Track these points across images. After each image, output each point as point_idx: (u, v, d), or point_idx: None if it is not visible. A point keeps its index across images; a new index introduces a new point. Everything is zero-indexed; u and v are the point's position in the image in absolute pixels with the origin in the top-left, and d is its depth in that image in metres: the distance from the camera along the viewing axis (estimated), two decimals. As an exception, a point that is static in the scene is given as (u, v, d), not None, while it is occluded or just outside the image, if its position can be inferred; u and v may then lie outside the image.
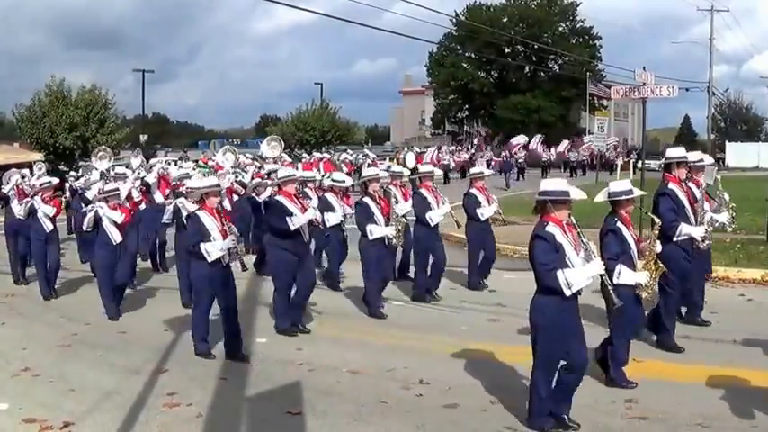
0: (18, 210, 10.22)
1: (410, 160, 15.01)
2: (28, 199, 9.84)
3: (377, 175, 8.50)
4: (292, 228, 7.28)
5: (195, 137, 71.59)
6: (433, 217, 8.95)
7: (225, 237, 6.49)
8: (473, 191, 9.68)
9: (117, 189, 8.65)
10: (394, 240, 8.35)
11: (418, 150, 26.50)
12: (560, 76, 52.36)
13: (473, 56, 54.11)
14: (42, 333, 7.78)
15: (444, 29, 50.06)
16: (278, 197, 7.53)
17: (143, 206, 10.60)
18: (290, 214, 7.30)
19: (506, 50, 54.13)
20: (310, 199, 8.86)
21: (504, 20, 54.08)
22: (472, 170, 10.97)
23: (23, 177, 11.08)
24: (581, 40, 55.46)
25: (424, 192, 9.10)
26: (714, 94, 51.19)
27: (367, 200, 8.25)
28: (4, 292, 9.87)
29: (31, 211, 9.64)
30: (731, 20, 64.20)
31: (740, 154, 46.55)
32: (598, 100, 50.66)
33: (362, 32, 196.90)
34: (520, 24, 53.59)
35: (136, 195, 10.46)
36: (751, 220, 13.96)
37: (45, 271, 9.53)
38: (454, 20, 50.81)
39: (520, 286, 9.35)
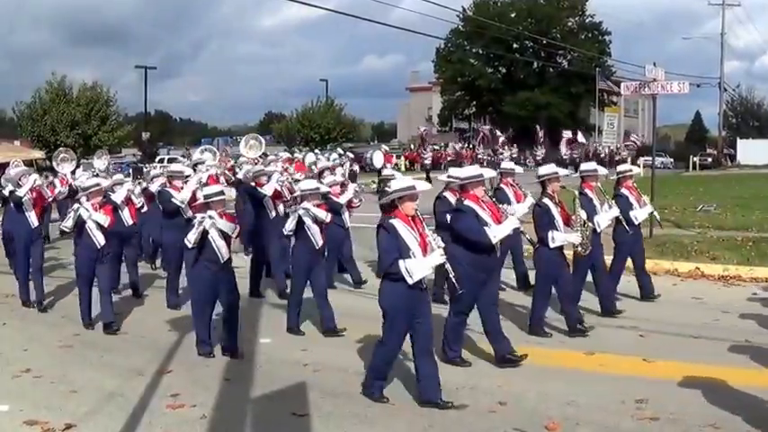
0: (30, 220, 8.86)
1: (377, 159, 14.28)
2: (76, 205, 7.86)
3: (557, 173, 7.37)
4: (494, 240, 6.04)
5: (198, 134, 71.70)
6: (601, 222, 7.93)
7: (426, 251, 5.25)
8: (623, 191, 8.38)
9: (222, 192, 6.87)
10: (579, 248, 7.32)
11: (387, 149, 25.67)
12: (569, 72, 52.07)
13: (480, 52, 53.91)
14: (43, 334, 7.70)
15: (451, 24, 49.83)
16: (467, 202, 6.14)
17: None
18: (486, 224, 6.07)
19: (514, 46, 53.83)
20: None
21: (512, 15, 53.74)
22: (620, 168, 9.19)
23: (46, 177, 10.05)
24: (590, 35, 55.11)
25: (589, 193, 7.97)
26: (725, 90, 50.75)
27: (547, 201, 7.07)
28: (4, 292, 9.72)
29: (79, 222, 7.69)
30: (743, 15, 63.69)
31: (752, 151, 46.13)
32: (608, 96, 50.39)
33: (369, 29, 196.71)
34: (528, 20, 53.26)
35: (137, 201, 9.79)
36: (763, 218, 13.83)
37: (98, 296, 7.77)
38: (461, 15, 50.61)
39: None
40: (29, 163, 15.72)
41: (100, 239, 7.70)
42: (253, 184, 9.88)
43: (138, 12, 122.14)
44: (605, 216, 7.99)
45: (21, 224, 8.94)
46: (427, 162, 31.21)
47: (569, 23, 55.27)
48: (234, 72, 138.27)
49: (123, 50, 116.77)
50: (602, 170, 8.88)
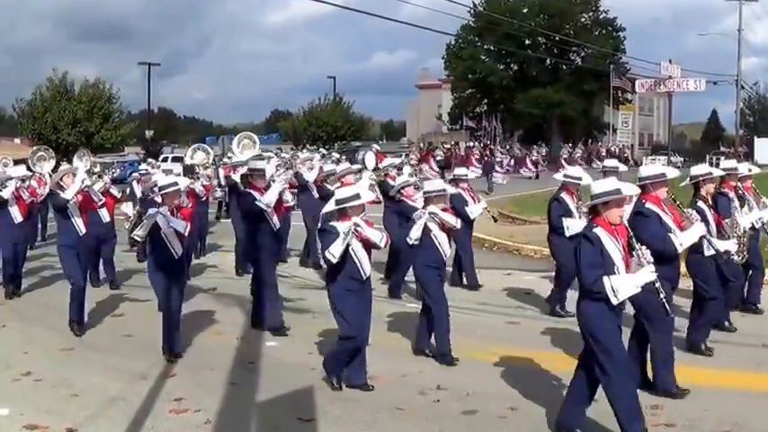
0: (77, 227, 7.57)
1: (370, 160, 13.58)
2: (152, 210, 6.65)
3: (711, 173, 6.74)
4: (680, 249, 5.54)
5: (203, 132, 71.72)
6: (744, 224, 7.20)
7: (628, 266, 4.56)
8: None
9: (358, 195, 5.66)
10: (736, 257, 6.73)
11: (378, 148, 25.45)
12: (583, 69, 51.60)
13: (492, 48, 53.55)
14: (44, 336, 7.61)
15: (462, 20, 49.55)
16: (649, 205, 5.61)
17: None
18: (670, 229, 5.55)
19: (526, 42, 53.40)
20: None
21: (524, 10, 53.33)
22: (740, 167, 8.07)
23: (101, 176, 8.96)
24: (604, 31, 54.57)
25: (730, 193, 7.25)
26: (743, 87, 50.11)
27: (701, 204, 6.49)
28: (4, 293, 9.63)
29: (153, 230, 6.56)
30: (761, 11, 62.85)
31: (770, 150, 45.49)
32: (622, 94, 49.95)
33: (378, 25, 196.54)
34: (540, 15, 52.86)
35: (199, 189, 9.10)
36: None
37: (171, 315, 6.63)
38: (472, 11, 50.33)
39: (540, 288, 9.14)
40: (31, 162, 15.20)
41: (177, 250, 6.61)
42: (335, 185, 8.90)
43: (141, 7, 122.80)
44: (747, 218, 7.36)
45: (67, 233, 7.62)
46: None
47: (582, 19, 54.83)
48: (239, 69, 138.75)
49: (126, 47, 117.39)
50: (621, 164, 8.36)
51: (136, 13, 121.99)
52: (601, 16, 55.14)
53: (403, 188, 8.44)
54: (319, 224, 6.80)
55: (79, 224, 7.61)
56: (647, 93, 46.13)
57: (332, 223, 5.63)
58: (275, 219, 7.56)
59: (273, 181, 7.78)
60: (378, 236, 5.65)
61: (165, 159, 29.53)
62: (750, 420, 4.90)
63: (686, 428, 4.83)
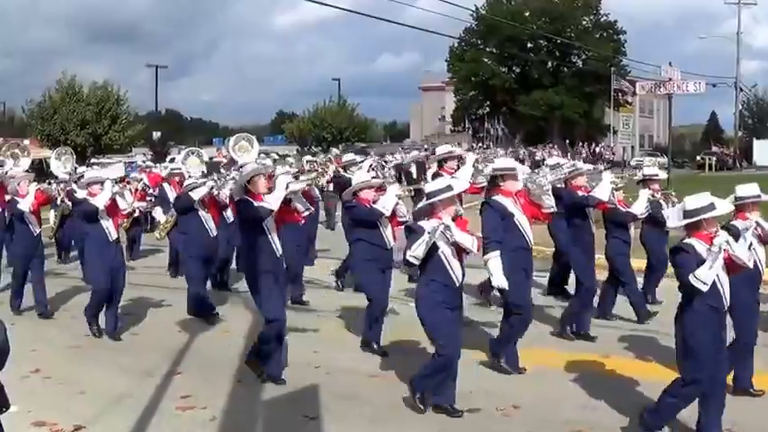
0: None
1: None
2: (434, 222, 5.09)
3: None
4: None
5: (210, 134, 71.82)
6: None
7: None
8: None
9: (713, 206, 4.62)
10: None
11: (337, 152, 25.45)
12: (584, 72, 51.70)
13: (494, 51, 53.64)
14: (52, 334, 7.66)
15: (465, 23, 49.62)
16: None
17: None
18: None
19: (528, 45, 53.54)
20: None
21: (526, 14, 53.42)
22: None
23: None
24: (605, 34, 54.67)
25: None
26: (741, 90, 50.20)
27: None
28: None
29: (432, 250, 5.07)
30: (760, 14, 63.07)
31: (768, 152, 45.47)
32: (622, 96, 49.95)
33: (381, 28, 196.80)
34: (542, 18, 52.94)
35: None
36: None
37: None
38: (475, 14, 50.39)
39: (539, 287, 9.17)
40: (38, 162, 14.36)
41: (459, 275, 5.15)
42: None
43: (149, 10, 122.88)
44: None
45: (264, 254, 5.81)
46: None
47: (584, 22, 54.88)
48: (246, 72, 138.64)
49: (134, 49, 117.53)
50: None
51: (144, 16, 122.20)
52: (602, 19, 55.23)
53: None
54: None
55: (276, 243, 5.86)
56: (647, 95, 46.17)
57: (687, 240, 4.61)
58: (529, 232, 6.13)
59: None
60: (746, 255, 4.63)
61: (172, 160, 29.75)
62: (751, 419, 4.89)
63: (686, 427, 4.82)
